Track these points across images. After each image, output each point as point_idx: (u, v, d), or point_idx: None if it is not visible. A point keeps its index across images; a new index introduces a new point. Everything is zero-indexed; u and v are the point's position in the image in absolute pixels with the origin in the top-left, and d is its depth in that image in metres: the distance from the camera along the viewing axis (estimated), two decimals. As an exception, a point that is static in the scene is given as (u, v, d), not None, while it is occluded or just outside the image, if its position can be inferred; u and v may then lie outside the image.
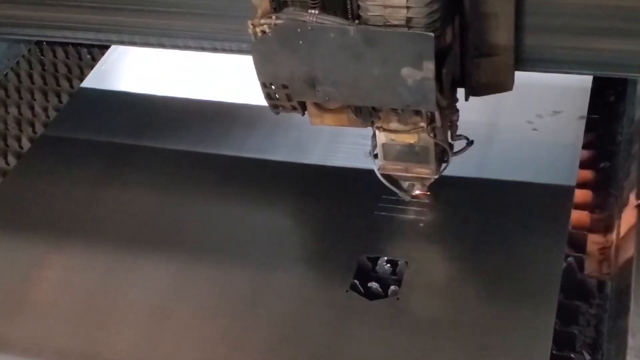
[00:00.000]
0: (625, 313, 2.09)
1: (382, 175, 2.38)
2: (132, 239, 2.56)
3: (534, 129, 2.71)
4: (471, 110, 2.70)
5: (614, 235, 2.40)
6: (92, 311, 2.37)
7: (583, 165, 2.59)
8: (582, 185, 2.54)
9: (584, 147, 2.64)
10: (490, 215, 2.46)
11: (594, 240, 2.42)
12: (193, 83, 3.11)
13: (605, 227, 2.46)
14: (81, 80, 3.26)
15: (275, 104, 2.18)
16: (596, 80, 2.79)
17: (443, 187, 2.54)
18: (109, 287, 2.43)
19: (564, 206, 2.44)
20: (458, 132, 2.34)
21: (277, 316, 2.29)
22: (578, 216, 2.46)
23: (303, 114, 2.23)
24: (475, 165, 2.60)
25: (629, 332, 2.03)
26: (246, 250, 2.48)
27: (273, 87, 2.12)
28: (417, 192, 2.47)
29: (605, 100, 2.85)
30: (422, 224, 2.47)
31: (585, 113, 2.72)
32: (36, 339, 2.33)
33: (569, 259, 2.34)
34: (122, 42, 2.99)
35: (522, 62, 2.23)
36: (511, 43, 2.15)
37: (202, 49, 2.78)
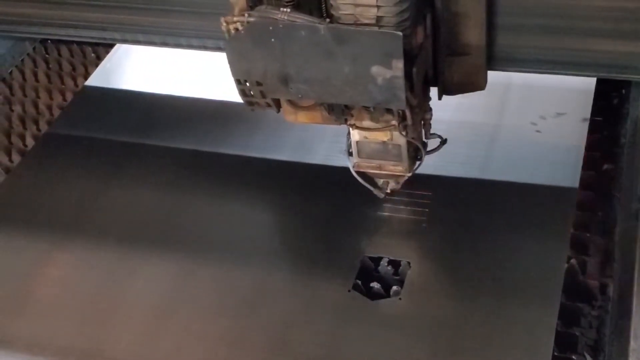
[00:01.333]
0: (628, 315, 2.09)
1: (357, 172, 2.39)
2: (135, 237, 2.57)
3: (537, 131, 2.71)
4: (474, 111, 2.72)
5: (616, 237, 2.40)
6: (94, 309, 2.38)
7: (586, 167, 2.59)
8: (585, 187, 2.54)
9: (587, 149, 2.64)
10: (492, 216, 2.47)
11: (596, 242, 2.42)
12: (197, 82, 3.11)
13: (608, 229, 2.46)
14: (86, 78, 3.26)
15: (250, 101, 2.20)
16: (600, 83, 2.79)
17: (446, 188, 2.55)
18: (112, 285, 2.44)
19: (567, 208, 2.44)
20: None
21: (279, 316, 2.29)
22: (581, 218, 2.46)
23: (278, 111, 2.25)
24: (478, 166, 2.61)
25: (631, 334, 2.03)
26: (249, 249, 2.48)
27: (247, 84, 2.13)
28: (391, 189, 2.47)
29: (609, 102, 2.85)
30: (424, 225, 2.47)
31: (588, 115, 2.72)
32: (39, 337, 2.33)
33: (572, 260, 2.34)
34: (126, 41, 3.00)
35: (495, 61, 2.24)
36: (483, 43, 2.17)
37: (206, 48, 2.79)
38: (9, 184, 2.84)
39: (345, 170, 2.43)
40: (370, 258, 2.40)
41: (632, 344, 2.01)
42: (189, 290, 2.40)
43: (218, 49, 2.74)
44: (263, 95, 2.15)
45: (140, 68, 3.27)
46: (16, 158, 2.98)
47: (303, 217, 2.57)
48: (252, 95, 2.16)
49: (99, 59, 3.35)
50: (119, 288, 2.43)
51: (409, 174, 2.36)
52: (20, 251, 2.58)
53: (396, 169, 2.35)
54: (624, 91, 2.83)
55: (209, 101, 3.03)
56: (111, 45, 3.32)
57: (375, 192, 2.45)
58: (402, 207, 2.51)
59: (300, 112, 2.25)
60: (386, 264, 2.38)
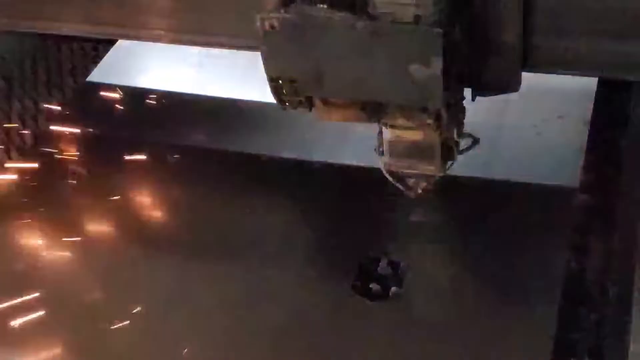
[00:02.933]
0: (627, 318, 2.09)
1: (388, 172, 2.38)
2: (134, 235, 2.57)
3: (538, 133, 2.71)
4: (476, 113, 2.71)
5: (616, 239, 2.41)
6: (94, 307, 2.37)
7: (586, 168, 2.60)
8: (585, 188, 2.54)
9: (588, 151, 2.64)
10: (492, 218, 2.47)
11: (596, 245, 2.42)
12: (199, 79, 3.11)
13: (608, 231, 2.46)
14: (85, 76, 3.26)
15: (282, 99, 2.18)
16: (601, 85, 2.79)
17: (446, 188, 2.55)
18: (112, 283, 2.43)
19: (567, 210, 2.44)
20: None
21: (278, 315, 2.29)
22: (581, 220, 2.46)
23: (310, 109, 2.22)
24: (478, 167, 2.61)
25: (631, 337, 2.03)
26: (249, 249, 2.48)
27: (280, 81, 2.12)
28: (422, 189, 2.46)
29: (610, 104, 2.85)
30: (425, 225, 2.47)
31: (589, 117, 2.72)
32: (38, 335, 2.32)
33: (571, 263, 2.34)
34: (128, 37, 2.99)
35: (529, 63, 2.22)
36: (518, 43, 2.15)
37: (209, 44, 2.78)
38: (8, 181, 2.83)
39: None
40: (370, 259, 2.40)
41: (632, 347, 2.01)
42: (188, 288, 2.40)
43: (221, 45, 2.73)
44: (297, 93, 2.12)
45: (141, 66, 3.27)
46: (15, 156, 2.98)
47: (304, 216, 2.57)
48: (285, 93, 2.13)
49: (99, 57, 3.35)
50: (119, 286, 2.42)
51: (441, 174, 2.35)
52: (20, 249, 2.58)
53: (428, 169, 2.33)
54: (625, 94, 2.84)
55: (210, 98, 3.02)
56: (111, 43, 3.32)
57: (406, 192, 2.43)
58: (403, 207, 2.51)
59: (334, 110, 2.20)
60: (386, 265, 2.38)
